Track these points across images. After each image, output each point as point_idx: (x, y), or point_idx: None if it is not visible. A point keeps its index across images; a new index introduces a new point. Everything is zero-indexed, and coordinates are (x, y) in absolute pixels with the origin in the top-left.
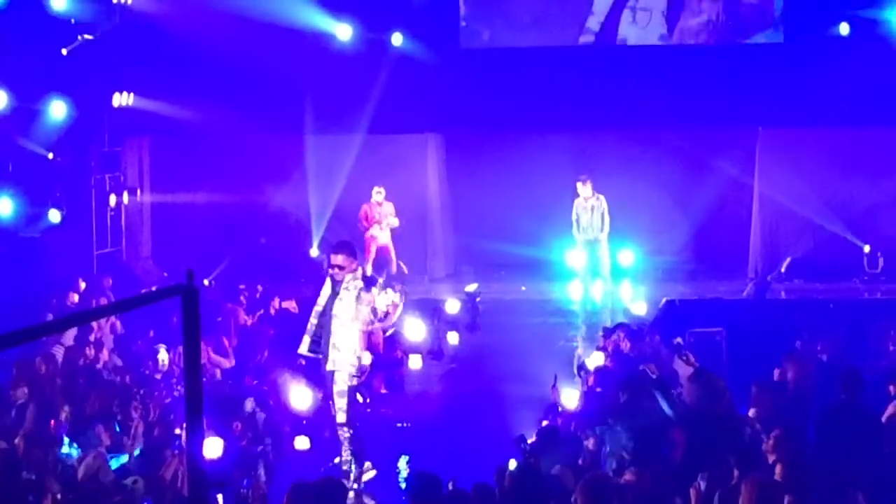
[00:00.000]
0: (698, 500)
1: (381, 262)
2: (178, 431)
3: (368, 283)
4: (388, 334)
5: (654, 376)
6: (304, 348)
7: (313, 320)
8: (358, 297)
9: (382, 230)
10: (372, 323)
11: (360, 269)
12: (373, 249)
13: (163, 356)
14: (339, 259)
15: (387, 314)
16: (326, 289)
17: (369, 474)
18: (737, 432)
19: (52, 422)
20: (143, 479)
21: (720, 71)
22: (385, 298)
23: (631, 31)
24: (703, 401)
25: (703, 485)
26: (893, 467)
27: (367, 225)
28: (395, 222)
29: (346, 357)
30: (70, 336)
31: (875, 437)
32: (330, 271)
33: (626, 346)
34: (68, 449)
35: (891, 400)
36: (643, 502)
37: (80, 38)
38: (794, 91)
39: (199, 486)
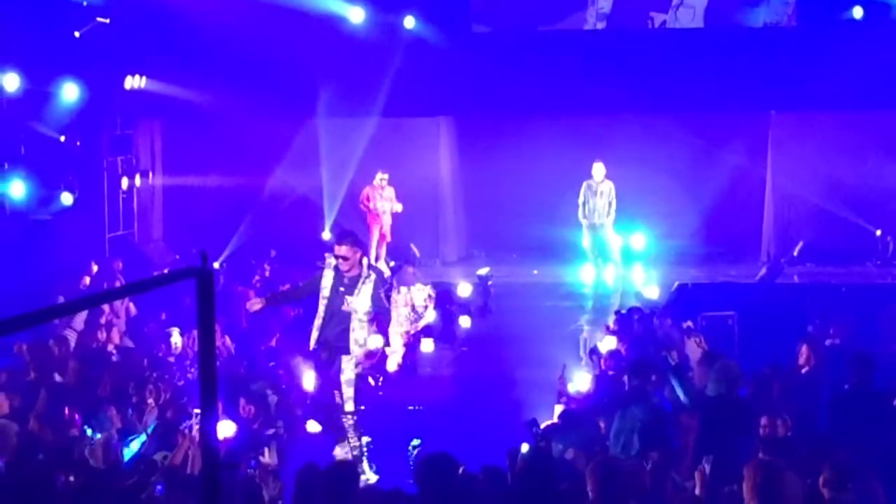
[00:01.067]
0: (703, 483)
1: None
2: (194, 411)
3: (379, 273)
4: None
5: (673, 363)
6: (314, 343)
7: (322, 313)
8: (375, 292)
9: (384, 217)
10: (417, 321)
11: (365, 258)
12: (375, 234)
13: (175, 339)
14: (342, 249)
15: (426, 308)
16: (328, 280)
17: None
18: (751, 417)
19: (66, 405)
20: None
21: (732, 54)
22: (421, 293)
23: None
24: (714, 384)
25: (707, 468)
26: None
27: (367, 207)
28: (399, 207)
29: (366, 349)
30: (80, 320)
31: (886, 420)
32: (336, 262)
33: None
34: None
35: None
36: (653, 485)
37: (96, 20)
38: (806, 75)
39: (212, 467)
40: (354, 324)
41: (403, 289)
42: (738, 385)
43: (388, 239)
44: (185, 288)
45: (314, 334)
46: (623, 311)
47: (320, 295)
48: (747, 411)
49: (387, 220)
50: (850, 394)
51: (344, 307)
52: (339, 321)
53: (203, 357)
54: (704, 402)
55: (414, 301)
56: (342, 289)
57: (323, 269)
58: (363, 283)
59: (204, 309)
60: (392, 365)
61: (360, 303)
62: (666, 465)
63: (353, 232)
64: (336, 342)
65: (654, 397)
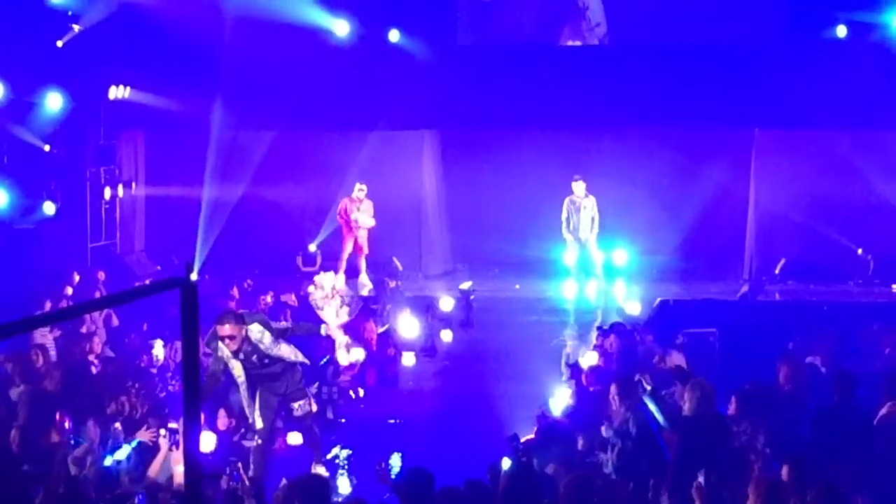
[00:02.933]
0: (702, 498)
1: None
2: (173, 426)
3: (261, 320)
4: (381, 330)
5: (648, 387)
6: (259, 423)
7: (247, 394)
8: (276, 336)
9: (359, 230)
10: (349, 304)
11: (246, 327)
12: (349, 246)
13: (158, 351)
14: (226, 329)
15: (334, 291)
16: (237, 368)
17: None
18: (727, 434)
19: (48, 415)
20: (138, 473)
21: (717, 71)
22: (329, 281)
23: None
24: (689, 403)
25: (702, 480)
26: (886, 468)
27: (344, 219)
28: (371, 223)
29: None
30: (39, 335)
31: (868, 438)
32: (225, 348)
33: (616, 344)
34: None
35: (883, 402)
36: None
37: (73, 28)
38: (790, 92)
39: (195, 479)
40: (288, 373)
41: (311, 287)
42: (711, 402)
43: (366, 251)
44: (168, 299)
45: (256, 415)
46: (605, 327)
47: (237, 382)
48: (724, 428)
49: (363, 233)
50: (832, 411)
51: (272, 371)
52: (271, 384)
53: (186, 368)
54: (681, 421)
55: (336, 288)
56: (255, 360)
57: (221, 361)
58: (262, 345)
59: (188, 320)
60: (344, 359)
61: (284, 352)
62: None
63: (231, 309)
64: (279, 395)
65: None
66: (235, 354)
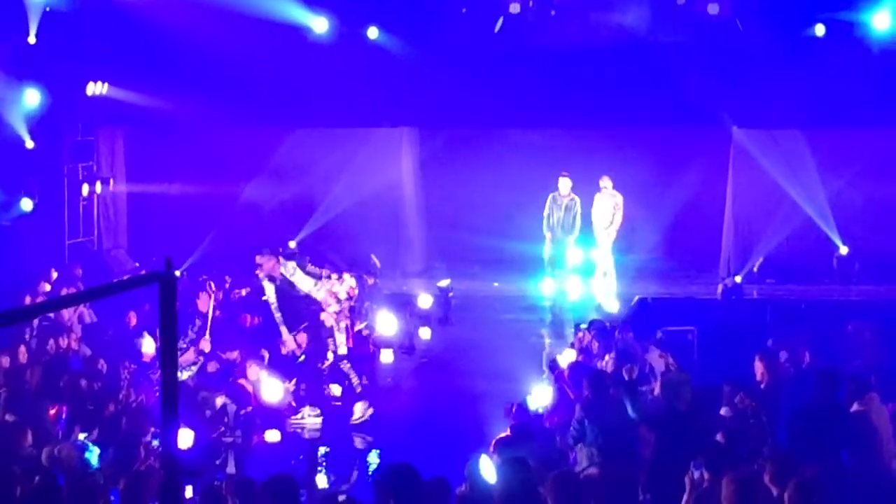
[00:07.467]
0: (692, 488)
1: None
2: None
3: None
4: (359, 328)
5: (628, 378)
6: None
7: (276, 314)
8: (304, 272)
9: None
10: (340, 310)
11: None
12: None
13: (147, 347)
14: (259, 258)
15: (349, 297)
16: (268, 286)
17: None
18: (705, 430)
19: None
20: (116, 470)
21: (695, 70)
22: (344, 286)
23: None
24: (670, 400)
25: (696, 474)
26: (863, 465)
27: None
28: None
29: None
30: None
31: (846, 435)
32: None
33: (594, 344)
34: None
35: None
36: (611, 497)
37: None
38: (768, 91)
39: (172, 475)
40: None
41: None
42: (679, 394)
43: None
44: (145, 295)
45: (284, 332)
46: (583, 325)
47: (270, 302)
48: (694, 421)
49: None
50: (814, 408)
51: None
52: (297, 305)
53: (165, 363)
54: (655, 415)
55: (337, 292)
56: (286, 286)
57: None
58: (292, 277)
59: (166, 314)
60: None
61: (303, 284)
62: (628, 477)
63: (269, 246)
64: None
65: (611, 410)
66: (270, 279)
